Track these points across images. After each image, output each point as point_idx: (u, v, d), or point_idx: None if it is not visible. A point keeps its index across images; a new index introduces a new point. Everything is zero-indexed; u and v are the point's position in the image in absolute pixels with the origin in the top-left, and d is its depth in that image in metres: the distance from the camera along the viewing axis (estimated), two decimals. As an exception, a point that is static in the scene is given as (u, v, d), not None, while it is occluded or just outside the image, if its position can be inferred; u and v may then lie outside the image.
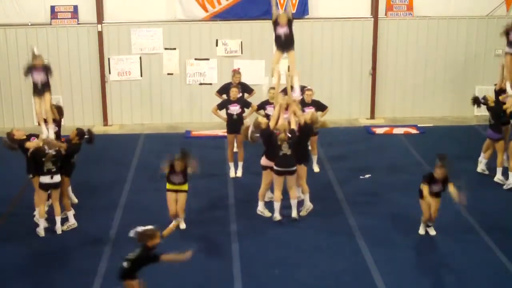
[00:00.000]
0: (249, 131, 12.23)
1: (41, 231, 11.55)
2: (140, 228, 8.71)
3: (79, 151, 12.09)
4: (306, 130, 12.29)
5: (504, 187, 13.39)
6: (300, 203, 12.43)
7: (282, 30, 12.59)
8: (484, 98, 14.12)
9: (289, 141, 11.79)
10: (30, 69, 11.98)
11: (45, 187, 11.53)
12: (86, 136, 11.99)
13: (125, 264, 8.64)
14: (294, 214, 12.05)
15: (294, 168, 11.98)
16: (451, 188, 10.85)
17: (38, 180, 11.62)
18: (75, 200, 12.75)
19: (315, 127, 12.69)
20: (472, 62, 18.59)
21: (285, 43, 12.65)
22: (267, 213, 12.29)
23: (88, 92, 18.19)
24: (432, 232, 11.52)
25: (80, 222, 11.96)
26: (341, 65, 18.44)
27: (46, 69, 12.03)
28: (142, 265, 8.71)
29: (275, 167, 11.96)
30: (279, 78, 12.77)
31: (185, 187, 11.65)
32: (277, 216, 12.08)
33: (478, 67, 18.56)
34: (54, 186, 11.59)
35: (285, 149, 11.85)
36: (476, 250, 11.01)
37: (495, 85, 14.51)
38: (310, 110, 13.31)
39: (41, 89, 11.96)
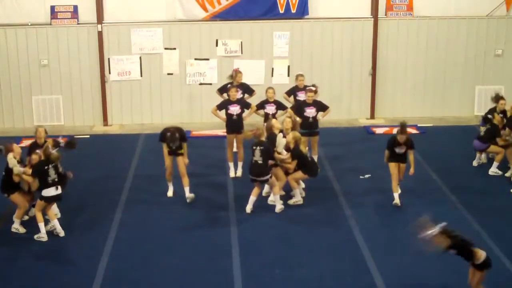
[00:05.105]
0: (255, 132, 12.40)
1: (44, 235, 11.36)
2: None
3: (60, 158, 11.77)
4: (295, 154, 12.47)
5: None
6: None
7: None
8: (492, 114, 14.36)
9: (261, 148, 12.03)
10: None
11: (50, 200, 11.38)
12: (60, 146, 11.91)
13: None
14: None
15: (265, 177, 12.21)
16: (411, 156, 12.49)
17: (17, 197, 11.50)
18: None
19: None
20: (472, 62, 18.58)
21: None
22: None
23: (88, 92, 18.18)
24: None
25: (80, 222, 11.97)
26: (341, 65, 18.43)
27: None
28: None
29: (249, 174, 12.34)
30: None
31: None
32: (248, 208, 12.37)
33: (478, 67, 18.56)
34: (58, 198, 11.48)
35: (257, 156, 12.06)
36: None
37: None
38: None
39: None
